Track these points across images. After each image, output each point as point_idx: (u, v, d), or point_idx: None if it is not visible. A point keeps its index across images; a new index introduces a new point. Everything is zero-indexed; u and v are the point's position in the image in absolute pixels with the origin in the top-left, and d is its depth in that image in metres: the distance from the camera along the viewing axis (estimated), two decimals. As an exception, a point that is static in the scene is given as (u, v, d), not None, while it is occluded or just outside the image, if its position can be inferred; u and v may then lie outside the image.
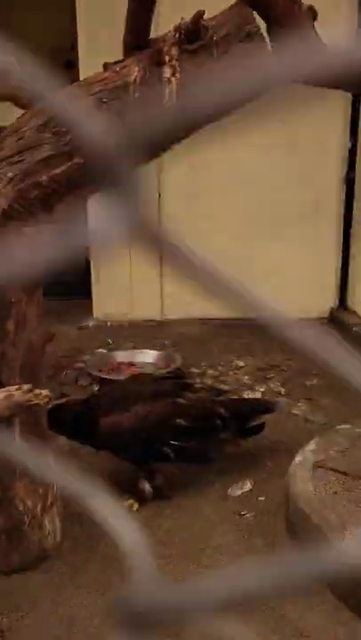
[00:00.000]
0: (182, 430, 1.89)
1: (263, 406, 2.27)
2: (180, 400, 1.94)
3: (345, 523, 1.50)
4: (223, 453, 2.04)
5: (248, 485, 2.00)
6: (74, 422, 1.86)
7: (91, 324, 4.51)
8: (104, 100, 1.32)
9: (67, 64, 5.10)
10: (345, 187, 4.17)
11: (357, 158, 4.06)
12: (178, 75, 1.25)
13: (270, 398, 2.78)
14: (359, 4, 3.88)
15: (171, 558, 1.61)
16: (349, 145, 4.05)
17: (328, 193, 4.25)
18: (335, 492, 1.66)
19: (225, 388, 2.98)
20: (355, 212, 4.20)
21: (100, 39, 3.89)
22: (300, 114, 4.13)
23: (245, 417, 2.09)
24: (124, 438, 1.83)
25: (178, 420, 1.89)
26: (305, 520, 1.56)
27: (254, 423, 2.12)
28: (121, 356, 3.50)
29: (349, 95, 3.91)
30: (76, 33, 4.11)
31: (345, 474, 1.76)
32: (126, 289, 4.54)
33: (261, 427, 2.13)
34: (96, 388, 2.91)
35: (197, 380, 3.02)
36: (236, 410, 2.05)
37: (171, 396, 1.94)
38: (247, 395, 2.87)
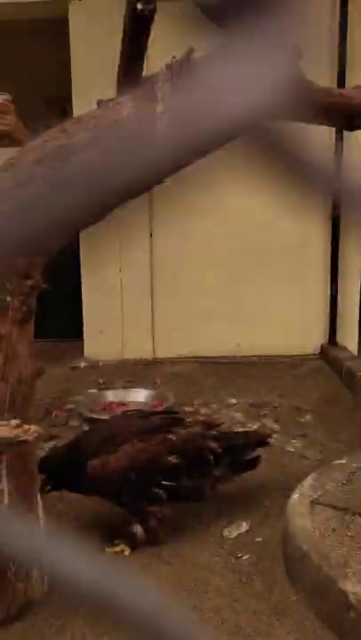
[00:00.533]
0: (174, 468, 1.81)
1: (257, 438, 2.20)
2: (171, 436, 1.85)
3: (346, 560, 1.45)
4: (217, 490, 1.97)
5: (245, 526, 1.94)
6: (60, 469, 1.75)
7: (82, 364, 4.47)
8: (97, 135, 1.35)
9: (61, 111, 5.26)
10: (331, 224, 4.26)
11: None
12: (170, 112, 1.29)
13: (263, 430, 2.71)
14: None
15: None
16: (334, 184, 4.16)
17: (315, 231, 4.34)
18: (334, 529, 1.61)
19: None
20: (341, 248, 4.28)
21: (94, 87, 4.03)
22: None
23: (239, 450, 2.02)
24: (113, 480, 1.73)
25: (169, 458, 1.80)
26: (304, 559, 1.51)
27: (249, 457, 2.05)
28: (112, 395, 3.45)
29: (333, 135, 4.05)
30: (71, 81, 4.25)
31: (344, 509, 1.71)
32: (118, 329, 4.53)
33: (256, 460, 2.07)
34: (85, 429, 2.85)
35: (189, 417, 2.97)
36: (229, 444, 1.97)
37: (160, 432, 1.85)
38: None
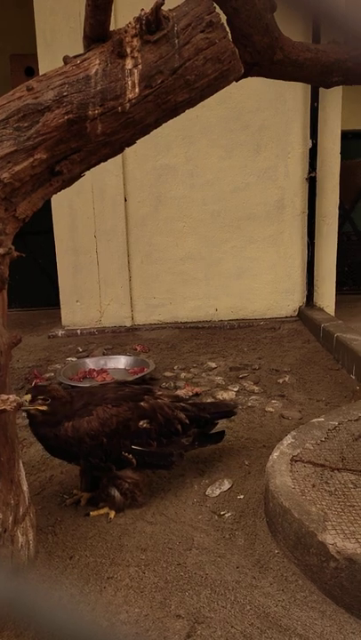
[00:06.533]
0: (144, 434, 1.86)
1: (224, 408, 2.25)
2: (142, 404, 1.90)
3: (326, 514, 1.49)
4: (184, 458, 2.01)
5: (226, 485, 1.98)
6: (35, 427, 1.79)
7: (60, 333, 4.44)
8: (65, 93, 1.29)
9: (27, 71, 5.05)
10: (308, 186, 4.23)
11: (318, 157, 4.13)
12: (140, 66, 1.24)
13: (230, 401, 2.77)
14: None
15: (155, 562, 1.57)
16: (310, 144, 4.11)
17: (292, 194, 4.31)
18: (314, 485, 1.65)
19: (199, 389, 2.96)
20: (318, 211, 4.27)
21: (59, 45, 3.86)
22: (261, 115, 4.18)
23: (205, 424, 2.08)
24: (84, 442, 1.76)
25: (140, 423, 1.86)
26: (286, 514, 1.55)
27: (213, 431, 2.12)
28: (92, 363, 3.45)
29: (308, 94, 3.98)
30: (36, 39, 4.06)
31: (322, 466, 1.76)
32: (95, 296, 4.49)
33: (221, 435, 2.14)
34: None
35: (161, 386, 3.00)
36: (195, 415, 2.03)
37: (133, 400, 1.90)
38: (221, 395, 2.86)
